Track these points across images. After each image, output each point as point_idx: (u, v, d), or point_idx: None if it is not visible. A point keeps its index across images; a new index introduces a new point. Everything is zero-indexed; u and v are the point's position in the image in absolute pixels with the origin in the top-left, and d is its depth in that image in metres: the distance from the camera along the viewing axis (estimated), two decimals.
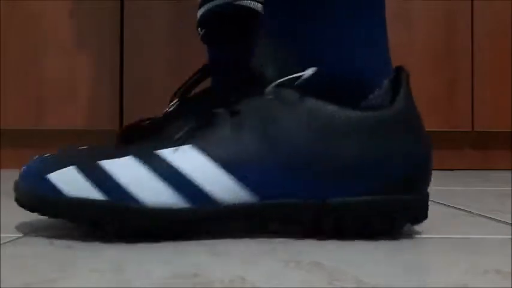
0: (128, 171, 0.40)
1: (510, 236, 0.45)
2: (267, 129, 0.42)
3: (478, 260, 0.37)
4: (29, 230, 0.44)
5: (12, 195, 0.45)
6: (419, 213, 0.43)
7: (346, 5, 0.44)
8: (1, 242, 0.41)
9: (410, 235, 0.44)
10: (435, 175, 0.49)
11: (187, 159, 0.41)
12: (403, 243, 0.41)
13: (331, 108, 0.42)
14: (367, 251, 0.39)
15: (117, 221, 0.40)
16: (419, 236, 0.43)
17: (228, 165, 0.41)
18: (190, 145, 0.41)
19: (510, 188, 0.81)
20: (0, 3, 1.10)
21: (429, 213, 0.44)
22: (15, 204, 0.43)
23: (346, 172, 0.41)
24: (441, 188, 0.81)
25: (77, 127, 1.10)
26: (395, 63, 0.48)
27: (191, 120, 0.43)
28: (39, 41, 1.10)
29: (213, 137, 0.42)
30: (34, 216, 0.48)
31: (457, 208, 0.60)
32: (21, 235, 0.43)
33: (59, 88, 1.10)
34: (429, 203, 0.44)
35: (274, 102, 0.42)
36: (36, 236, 0.43)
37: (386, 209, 0.42)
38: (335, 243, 0.41)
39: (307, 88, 0.42)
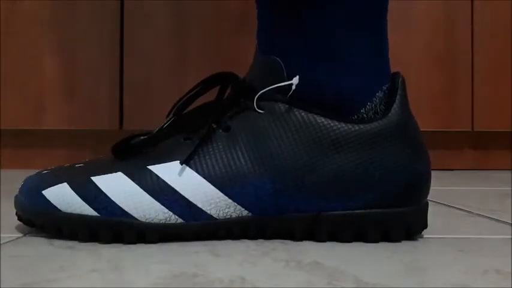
0: (119, 187, 0.41)
1: (510, 236, 0.45)
2: (257, 144, 0.42)
3: (478, 260, 0.37)
4: (29, 230, 0.44)
5: (12, 195, 0.45)
6: (417, 225, 0.43)
7: (334, 21, 0.43)
8: (1, 242, 0.41)
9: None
10: (435, 175, 0.49)
11: (179, 175, 0.41)
12: (403, 243, 0.41)
13: (321, 121, 0.41)
14: (367, 251, 0.39)
15: (112, 235, 0.40)
16: (419, 236, 0.43)
17: (220, 183, 0.41)
18: (182, 161, 0.41)
19: (510, 188, 0.81)
20: (0, 3, 1.10)
21: (429, 213, 0.44)
22: None
23: (339, 186, 0.41)
24: (441, 188, 0.81)
25: (77, 127, 1.10)
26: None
27: (184, 137, 0.43)
28: (39, 41, 1.10)
29: (205, 153, 0.42)
30: None
31: (457, 208, 0.60)
32: (21, 235, 0.43)
33: (59, 88, 1.10)
34: (429, 203, 0.44)
35: (264, 116, 0.42)
36: (36, 236, 0.43)
37: (382, 223, 0.41)
38: (335, 243, 0.41)
39: (297, 102, 0.42)
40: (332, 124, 0.41)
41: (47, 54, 1.10)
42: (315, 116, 0.42)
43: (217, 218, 0.41)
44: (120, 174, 0.41)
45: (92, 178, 0.41)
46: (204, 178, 0.41)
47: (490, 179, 0.97)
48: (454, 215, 0.56)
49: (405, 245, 0.41)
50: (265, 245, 0.40)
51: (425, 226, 0.43)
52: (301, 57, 0.43)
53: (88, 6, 1.10)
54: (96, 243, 0.40)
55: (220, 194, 0.41)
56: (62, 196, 0.41)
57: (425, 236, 0.44)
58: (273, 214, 0.41)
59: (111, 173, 0.41)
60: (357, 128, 0.41)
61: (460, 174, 1.08)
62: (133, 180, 0.41)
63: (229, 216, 0.41)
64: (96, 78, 1.10)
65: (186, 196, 0.41)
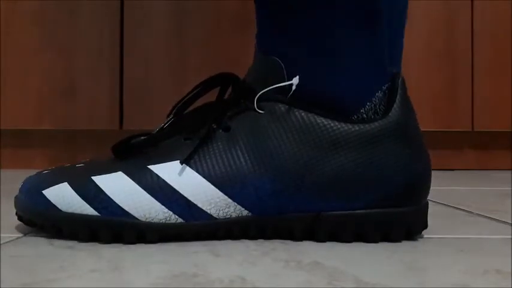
0: (120, 187, 0.41)
1: (510, 236, 0.45)
2: (257, 144, 0.42)
3: (478, 260, 0.37)
4: (29, 230, 0.44)
5: (12, 195, 0.45)
6: (417, 225, 0.43)
7: (334, 21, 0.43)
8: (1, 242, 0.41)
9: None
10: (435, 175, 0.49)
11: (179, 175, 0.41)
12: (403, 243, 0.41)
13: (321, 121, 0.42)
14: (367, 251, 0.39)
15: (112, 235, 0.40)
16: (419, 236, 0.43)
17: (219, 182, 0.41)
18: (182, 161, 0.41)
19: (510, 188, 0.81)
20: (0, 3, 1.10)
21: (429, 213, 0.44)
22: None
23: (339, 186, 0.41)
24: (441, 188, 0.81)
25: (77, 127, 1.10)
26: None
27: (184, 137, 0.43)
28: (39, 41, 1.10)
29: (205, 153, 0.42)
30: None
31: (457, 208, 0.60)
32: (21, 235, 0.43)
33: (59, 88, 1.10)
34: (429, 203, 0.44)
35: (264, 116, 0.42)
36: (36, 236, 0.43)
37: (382, 223, 0.41)
38: (335, 243, 0.41)
39: (297, 102, 0.42)
40: (332, 124, 0.41)
41: (47, 54, 1.10)
42: (315, 116, 0.42)
43: (217, 217, 0.41)
44: (120, 173, 0.41)
45: (93, 178, 0.41)
46: (204, 178, 0.41)
47: (490, 179, 0.97)
48: (454, 215, 0.56)
49: (405, 245, 0.41)
50: (265, 245, 0.40)
51: (425, 226, 0.43)
52: (301, 58, 0.43)
53: (88, 6, 1.10)
54: (96, 243, 0.40)
55: (220, 193, 0.41)
56: (62, 196, 0.41)
57: (425, 236, 0.44)
58: (273, 214, 0.41)
59: (112, 172, 0.41)
60: (357, 128, 0.41)
61: (460, 174, 1.08)
62: (133, 179, 0.41)
63: (229, 216, 0.41)
64: (96, 78, 1.10)
65: (186, 196, 0.41)
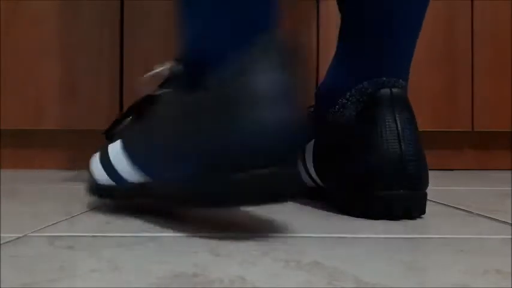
0: (94, 163, 0.55)
1: (510, 236, 0.45)
2: (150, 122, 0.49)
3: (478, 260, 0.37)
4: (29, 230, 0.44)
5: (12, 195, 0.45)
6: (287, 188, 0.42)
7: None
8: (1, 242, 0.41)
9: (410, 235, 0.44)
10: (435, 175, 0.49)
11: (115, 149, 0.52)
12: (403, 243, 0.41)
13: (179, 96, 0.45)
14: (366, 250, 0.39)
15: (91, 191, 0.56)
16: (419, 236, 0.43)
17: (127, 151, 0.51)
18: (109, 138, 0.54)
19: (510, 188, 0.81)
20: (0, 4, 1.10)
21: (429, 213, 0.44)
22: (15, 204, 0.44)
23: (206, 154, 0.41)
24: (441, 188, 0.81)
25: (76, 127, 1.10)
26: None
27: (133, 119, 0.53)
28: (39, 41, 1.10)
29: (128, 130, 0.53)
30: (32, 217, 0.48)
31: (457, 208, 0.60)
32: (21, 235, 0.43)
33: (59, 88, 1.10)
34: (429, 203, 0.44)
35: (156, 97, 0.49)
36: (36, 236, 0.43)
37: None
38: (335, 243, 0.41)
39: (177, 85, 0.47)
40: (185, 96, 0.44)
41: (47, 55, 1.10)
42: (179, 92, 0.45)
43: (132, 182, 0.50)
44: (97, 153, 0.55)
45: (92, 158, 0.56)
46: (122, 150, 0.51)
47: (490, 179, 0.97)
48: (454, 215, 0.56)
49: (405, 245, 0.41)
50: (265, 244, 0.40)
51: (296, 190, 0.43)
52: (183, 37, 0.47)
53: (88, 6, 1.10)
54: (96, 243, 0.40)
55: (128, 161, 0.50)
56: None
57: (425, 236, 0.44)
58: (164, 180, 0.46)
59: (95, 153, 0.56)
60: (196, 95, 0.43)
61: (460, 174, 1.08)
62: (99, 156, 0.54)
63: (140, 181, 0.49)
64: (96, 78, 1.10)
65: (114, 164, 0.51)
